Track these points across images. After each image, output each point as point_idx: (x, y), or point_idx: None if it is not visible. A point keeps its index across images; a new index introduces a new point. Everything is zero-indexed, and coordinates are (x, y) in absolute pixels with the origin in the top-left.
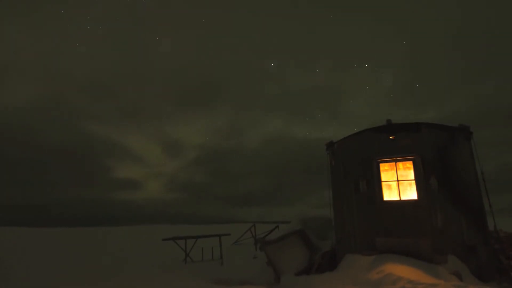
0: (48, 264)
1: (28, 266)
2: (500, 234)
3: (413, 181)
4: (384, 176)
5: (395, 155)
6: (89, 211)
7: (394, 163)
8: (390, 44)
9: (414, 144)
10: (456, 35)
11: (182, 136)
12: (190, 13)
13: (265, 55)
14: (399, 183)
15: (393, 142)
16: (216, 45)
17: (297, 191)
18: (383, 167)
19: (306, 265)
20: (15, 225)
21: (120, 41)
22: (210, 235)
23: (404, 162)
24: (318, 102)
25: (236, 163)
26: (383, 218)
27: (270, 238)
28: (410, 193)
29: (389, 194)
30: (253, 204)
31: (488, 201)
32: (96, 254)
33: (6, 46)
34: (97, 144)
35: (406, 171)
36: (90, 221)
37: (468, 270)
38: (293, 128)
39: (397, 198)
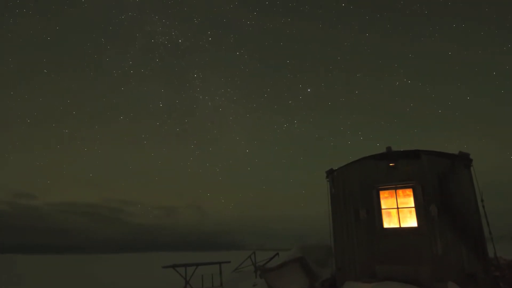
0: None
1: None
2: (500, 261)
3: (413, 209)
4: (384, 203)
5: (395, 182)
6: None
7: (394, 191)
8: None
9: (414, 171)
10: None
11: None
12: None
13: None
14: (399, 211)
15: (393, 169)
16: None
17: None
18: (383, 194)
19: None
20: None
21: None
22: (210, 263)
23: (404, 190)
24: None
25: None
26: (383, 245)
27: (270, 265)
28: (410, 221)
29: (389, 222)
30: None
31: (488, 228)
32: (94, 282)
33: None
34: None
35: (406, 199)
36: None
37: None
38: None
39: (397, 226)
